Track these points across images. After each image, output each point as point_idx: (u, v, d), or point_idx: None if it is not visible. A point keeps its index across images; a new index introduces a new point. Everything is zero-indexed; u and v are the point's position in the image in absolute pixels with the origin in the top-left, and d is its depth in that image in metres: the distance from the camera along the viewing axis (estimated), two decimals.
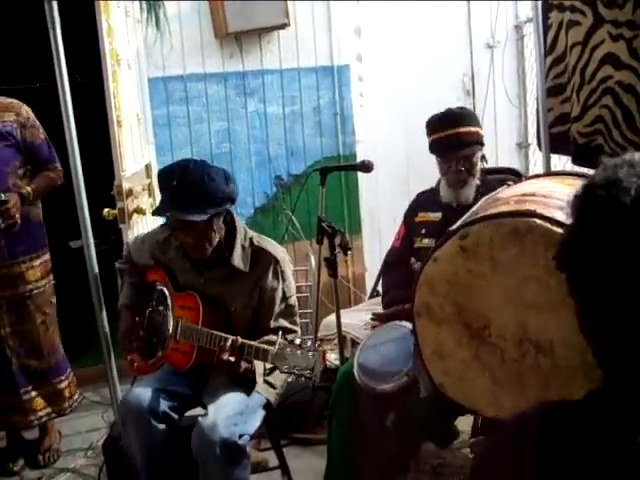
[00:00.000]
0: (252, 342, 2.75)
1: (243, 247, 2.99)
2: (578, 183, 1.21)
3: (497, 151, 5.54)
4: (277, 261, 3.00)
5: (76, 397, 3.99)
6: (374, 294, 4.68)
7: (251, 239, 3.02)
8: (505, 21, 5.57)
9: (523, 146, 5.78)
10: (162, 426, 2.86)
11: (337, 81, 5.25)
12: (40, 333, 3.77)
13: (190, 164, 2.87)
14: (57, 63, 3.28)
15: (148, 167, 4.41)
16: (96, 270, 3.51)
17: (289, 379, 2.70)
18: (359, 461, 2.83)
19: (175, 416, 2.94)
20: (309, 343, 2.63)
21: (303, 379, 2.65)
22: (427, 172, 3.48)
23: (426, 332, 2.18)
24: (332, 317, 3.91)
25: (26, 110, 3.70)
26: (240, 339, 2.75)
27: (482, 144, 3.30)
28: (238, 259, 2.95)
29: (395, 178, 5.30)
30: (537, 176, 2.81)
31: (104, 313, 3.57)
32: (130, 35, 4.42)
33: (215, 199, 2.82)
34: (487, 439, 1.30)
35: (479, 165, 3.28)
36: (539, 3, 4.11)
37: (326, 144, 5.27)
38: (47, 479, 3.80)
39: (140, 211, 3.85)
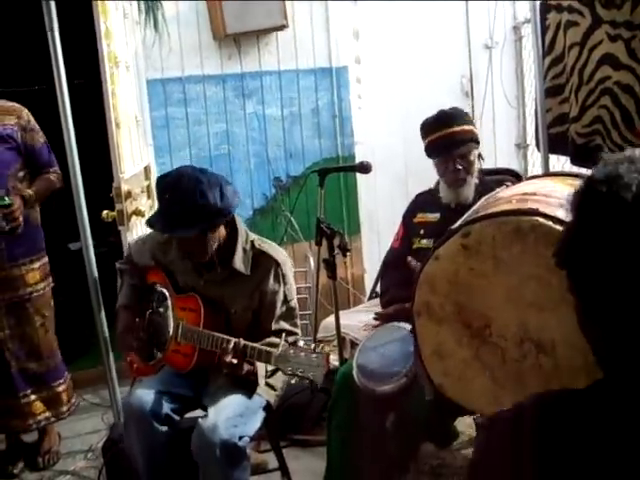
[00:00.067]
0: (255, 344, 2.75)
1: (244, 250, 2.98)
2: (578, 183, 1.20)
3: (496, 152, 5.54)
4: (278, 264, 3.00)
5: (73, 401, 3.99)
6: (373, 295, 4.67)
7: (252, 242, 3.01)
8: (503, 22, 5.57)
9: (522, 147, 5.79)
10: (164, 428, 2.86)
11: (335, 82, 5.25)
12: (39, 336, 3.77)
13: (185, 177, 2.82)
14: (55, 65, 3.28)
15: (147, 169, 4.41)
16: (95, 272, 3.51)
17: (292, 381, 2.69)
18: (358, 462, 2.82)
19: (177, 418, 2.94)
20: (312, 345, 2.62)
21: (306, 381, 2.65)
22: (426, 173, 3.48)
23: (426, 332, 2.17)
24: (331, 318, 3.91)
25: (26, 113, 3.72)
26: (243, 341, 2.74)
27: (477, 142, 3.31)
28: (239, 262, 2.95)
29: (394, 179, 5.30)
30: (537, 176, 2.81)
31: (103, 315, 3.57)
32: (128, 37, 4.41)
33: (205, 216, 2.80)
34: (485, 430, 1.29)
35: (476, 164, 3.29)
36: (537, 4, 4.12)
37: (325, 145, 5.27)
38: None
39: (139, 213, 3.84)
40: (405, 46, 5.35)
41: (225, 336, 2.79)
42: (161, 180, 2.94)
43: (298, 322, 3.12)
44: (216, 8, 4.71)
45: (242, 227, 3.03)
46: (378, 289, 4.00)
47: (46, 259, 3.83)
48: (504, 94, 5.63)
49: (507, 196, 2.26)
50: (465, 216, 2.25)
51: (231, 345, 2.74)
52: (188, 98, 4.91)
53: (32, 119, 3.74)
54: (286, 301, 3.03)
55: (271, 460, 3.38)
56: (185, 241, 2.93)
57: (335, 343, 3.70)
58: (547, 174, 3.23)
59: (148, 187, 4.27)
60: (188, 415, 3.05)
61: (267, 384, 2.91)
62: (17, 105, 3.72)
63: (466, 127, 3.26)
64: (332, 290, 3.42)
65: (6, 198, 3.49)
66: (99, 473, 3.39)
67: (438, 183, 3.38)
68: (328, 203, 3.68)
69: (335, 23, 5.19)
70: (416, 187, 3.71)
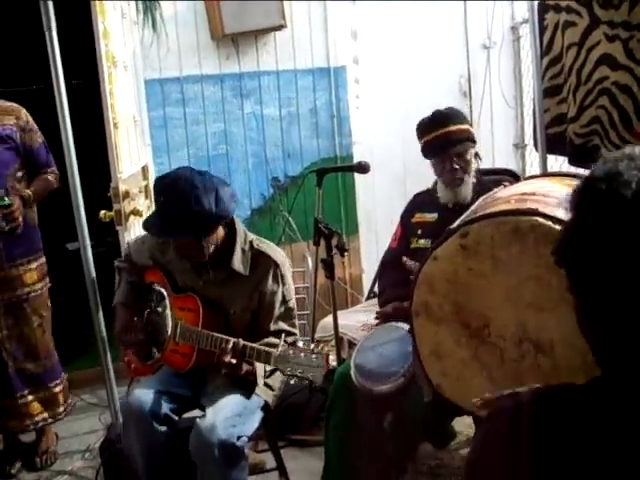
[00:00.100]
0: (254, 344, 2.74)
1: (243, 250, 2.98)
2: (576, 183, 1.20)
3: (494, 152, 5.55)
4: (277, 265, 2.99)
5: (69, 401, 4.00)
6: (371, 295, 4.67)
7: (251, 242, 3.01)
8: (501, 22, 5.58)
9: (520, 147, 5.79)
10: (163, 428, 2.87)
11: (334, 82, 5.25)
12: (37, 336, 3.77)
13: (181, 180, 2.80)
14: (53, 65, 3.27)
15: (145, 169, 4.40)
16: (93, 272, 3.50)
17: (291, 381, 2.68)
18: (356, 462, 2.83)
19: (175, 418, 2.94)
20: (312, 346, 2.61)
21: (305, 381, 2.64)
22: (424, 173, 3.48)
23: (424, 331, 2.17)
24: (329, 318, 3.90)
25: (25, 114, 3.73)
26: (242, 341, 2.74)
27: (474, 141, 3.32)
28: (238, 262, 2.94)
29: (392, 179, 5.30)
30: (535, 177, 2.81)
31: (101, 315, 3.55)
32: (126, 37, 4.40)
33: (199, 222, 2.79)
34: (483, 425, 1.29)
35: (473, 163, 3.29)
36: (535, 4, 4.12)
37: (323, 145, 5.27)
38: None
39: (137, 213, 3.84)
40: (403, 46, 5.35)
41: (224, 336, 2.78)
42: (159, 182, 2.94)
43: (296, 322, 3.12)
44: (214, 8, 4.71)
45: (241, 227, 3.03)
46: (376, 289, 4.00)
47: (43, 259, 3.83)
48: (502, 94, 5.63)
49: (505, 196, 2.26)
50: (463, 216, 2.25)
51: (230, 345, 2.74)
52: (186, 98, 4.91)
53: (30, 119, 3.75)
54: (285, 301, 3.02)
55: (269, 460, 3.38)
56: (181, 244, 2.93)
57: (333, 343, 3.70)
58: (545, 174, 3.23)
59: (146, 187, 4.27)
60: (186, 415, 3.05)
61: (265, 384, 2.91)
62: (16, 105, 3.73)
63: (462, 126, 3.27)
64: (330, 290, 3.42)
65: (6, 198, 3.51)
66: (96, 473, 3.39)
67: (436, 183, 3.39)
68: (326, 203, 3.68)
69: (333, 23, 5.19)
70: (414, 187, 3.71)
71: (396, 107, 5.28)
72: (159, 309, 3.14)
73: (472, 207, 2.40)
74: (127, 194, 3.73)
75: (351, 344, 4.00)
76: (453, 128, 3.24)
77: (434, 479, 3.37)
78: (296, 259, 4.88)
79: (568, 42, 3.92)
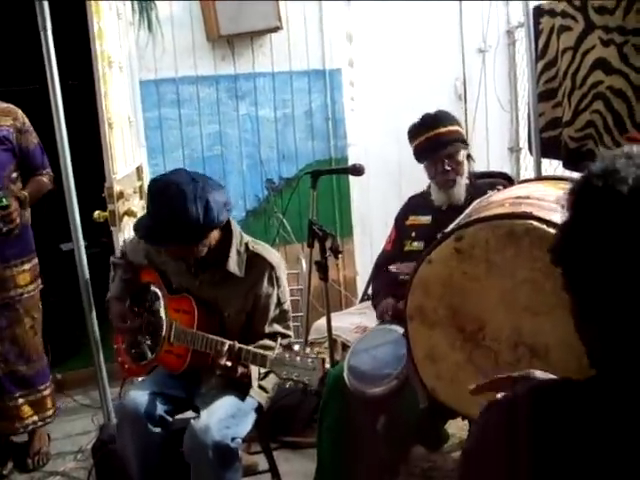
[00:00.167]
0: (250, 347, 2.73)
1: (239, 252, 2.96)
2: (573, 182, 1.20)
3: (488, 155, 5.56)
4: (272, 267, 2.98)
5: (57, 405, 3.99)
6: (365, 298, 4.68)
7: (247, 244, 3.00)
8: (497, 26, 5.57)
9: (514, 150, 5.79)
10: (158, 430, 2.86)
11: (329, 84, 5.24)
12: (28, 338, 3.76)
13: (172, 187, 2.75)
14: (48, 65, 3.28)
15: (139, 169, 4.40)
16: (86, 273, 3.51)
17: (287, 385, 2.68)
18: (349, 465, 2.83)
19: (170, 419, 2.94)
20: (308, 350, 2.61)
21: (300, 385, 2.64)
22: (418, 176, 3.49)
23: (418, 335, 2.18)
24: (323, 320, 3.91)
25: (22, 115, 3.72)
26: (237, 344, 2.73)
27: (465, 142, 3.34)
28: (233, 264, 2.93)
29: (387, 182, 5.30)
30: (529, 180, 2.82)
31: (94, 316, 3.56)
32: (122, 37, 4.40)
33: (185, 232, 2.76)
34: (479, 419, 1.29)
35: (465, 164, 3.30)
36: (530, 8, 4.13)
37: (318, 147, 5.27)
38: None
39: (131, 213, 3.83)
40: (398, 49, 5.35)
41: (219, 338, 2.77)
42: (152, 184, 2.91)
43: (291, 325, 3.11)
44: (210, 9, 4.70)
45: (237, 229, 3.02)
46: (370, 291, 4.00)
47: (36, 260, 3.82)
48: (497, 98, 5.63)
49: (500, 200, 2.27)
50: (458, 220, 2.25)
51: (225, 348, 2.72)
52: (181, 99, 4.90)
53: (27, 121, 3.74)
54: (280, 304, 3.02)
55: (261, 462, 3.38)
56: (168, 250, 2.94)
57: (326, 345, 3.70)
58: (539, 178, 3.25)
59: (140, 188, 4.26)
60: (179, 416, 3.05)
61: (259, 386, 2.91)
62: (12, 106, 3.72)
63: (451, 128, 3.29)
64: (324, 292, 3.42)
65: (4, 200, 3.51)
66: (89, 474, 3.39)
67: (430, 186, 3.40)
68: (321, 205, 3.68)
69: (329, 25, 5.19)
70: (409, 189, 3.72)
71: (391, 110, 5.28)
72: (154, 309, 3.13)
73: (467, 211, 2.41)
74: (121, 195, 3.73)
75: (345, 346, 4.00)
76: (443, 130, 3.26)
77: None
78: (290, 261, 4.88)
79: (563, 46, 3.94)
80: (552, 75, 4.14)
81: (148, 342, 3.13)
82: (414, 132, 3.33)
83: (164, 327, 3.03)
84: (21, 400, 3.75)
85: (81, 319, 3.61)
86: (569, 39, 3.88)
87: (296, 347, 2.61)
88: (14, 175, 3.67)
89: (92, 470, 3.34)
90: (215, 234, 2.91)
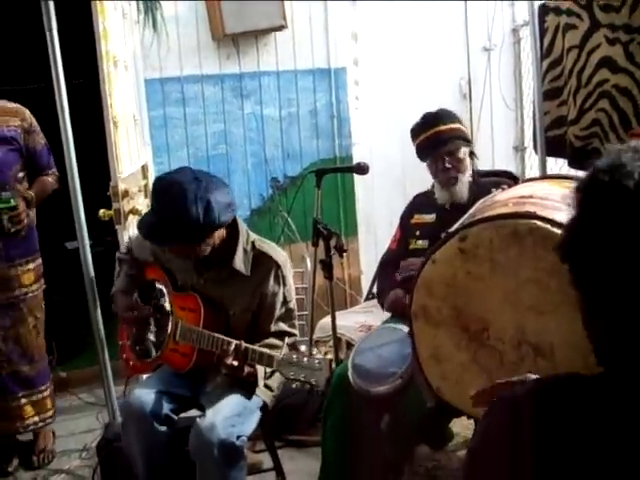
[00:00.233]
0: (257, 347, 2.73)
1: (245, 250, 2.96)
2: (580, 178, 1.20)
3: (493, 154, 5.56)
4: (279, 266, 2.98)
5: (61, 403, 4.02)
6: (370, 296, 4.67)
7: (253, 242, 2.99)
8: (502, 24, 5.58)
9: (519, 149, 5.79)
10: (163, 428, 2.86)
11: (334, 83, 5.25)
12: (32, 338, 3.77)
13: (175, 186, 2.74)
14: (54, 65, 3.28)
15: (144, 168, 4.40)
16: (91, 271, 3.51)
17: (293, 385, 2.68)
18: (353, 463, 2.83)
19: (175, 418, 2.94)
20: (315, 351, 2.61)
21: (307, 386, 2.64)
22: (423, 174, 3.48)
23: (423, 335, 2.17)
24: (327, 319, 3.91)
25: (29, 115, 3.74)
26: (244, 344, 2.72)
27: (466, 140, 3.35)
28: (240, 262, 2.93)
29: (391, 180, 5.30)
30: (533, 179, 2.81)
31: (99, 314, 3.56)
32: (127, 37, 4.41)
33: (185, 233, 2.75)
34: (484, 417, 1.29)
35: (467, 162, 3.31)
36: (536, 6, 4.12)
37: (322, 146, 5.27)
38: None
39: (136, 212, 3.83)
40: (403, 48, 5.35)
41: (226, 338, 2.76)
42: (157, 182, 2.91)
43: (296, 323, 3.11)
44: (215, 8, 4.71)
45: (243, 227, 3.01)
46: (375, 290, 4.00)
47: (40, 260, 3.83)
48: (502, 96, 5.63)
49: (504, 199, 2.26)
50: (462, 220, 2.25)
51: (232, 347, 2.71)
52: (186, 98, 4.91)
53: (34, 121, 3.76)
54: (285, 302, 3.01)
55: (266, 460, 3.38)
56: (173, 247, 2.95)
57: (331, 344, 3.70)
58: (544, 177, 3.23)
59: (145, 186, 4.27)
60: (184, 415, 3.05)
61: (265, 385, 2.90)
62: (20, 106, 3.73)
63: (452, 125, 3.30)
64: (328, 291, 3.42)
65: (12, 200, 3.52)
66: (93, 472, 3.39)
67: (434, 185, 3.40)
68: (325, 204, 3.68)
69: (334, 24, 5.19)
70: (413, 188, 3.72)
71: (396, 109, 5.28)
72: (160, 307, 3.13)
73: (471, 210, 2.40)
74: (126, 193, 3.73)
75: (349, 345, 4.00)
76: (443, 128, 3.28)
77: None
78: (295, 260, 4.87)
79: (568, 45, 3.93)
80: (557, 74, 4.13)
81: (153, 339, 3.12)
82: (416, 131, 3.36)
83: (170, 324, 3.02)
84: (24, 400, 3.76)
85: (86, 317, 3.61)
86: (574, 37, 3.87)
87: (303, 348, 2.61)
88: (20, 175, 3.69)
89: (97, 468, 3.35)
90: (221, 233, 2.90)
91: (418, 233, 3.32)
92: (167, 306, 3.07)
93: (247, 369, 2.77)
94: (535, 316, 1.89)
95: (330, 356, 2.69)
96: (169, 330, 3.01)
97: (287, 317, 3.03)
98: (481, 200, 2.52)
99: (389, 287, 3.28)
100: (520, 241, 1.89)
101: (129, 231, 3.74)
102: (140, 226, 2.90)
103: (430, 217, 3.34)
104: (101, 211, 3.68)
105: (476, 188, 3.23)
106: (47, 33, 3.23)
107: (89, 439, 4.07)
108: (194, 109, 4.94)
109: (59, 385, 4.36)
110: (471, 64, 5.63)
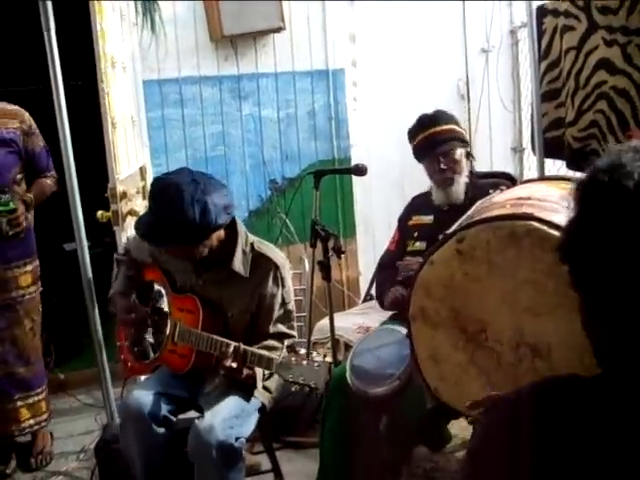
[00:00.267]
0: (256, 350, 2.73)
1: (244, 252, 2.96)
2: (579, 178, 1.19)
3: (491, 155, 5.56)
4: (277, 267, 2.98)
5: (59, 405, 4.00)
6: (368, 298, 4.68)
7: (252, 244, 2.99)
8: (500, 26, 5.58)
9: (517, 151, 5.79)
10: (162, 430, 2.86)
11: (332, 85, 5.25)
12: (28, 340, 3.77)
13: (171, 187, 2.74)
14: (52, 66, 3.28)
15: (142, 170, 4.40)
16: (89, 273, 3.51)
17: (293, 388, 2.68)
18: (351, 465, 2.83)
19: (174, 419, 2.94)
20: (314, 354, 2.61)
21: (307, 388, 2.63)
22: (421, 176, 3.49)
23: (421, 336, 2.18)
24: (325, 321, 3.91)
25: (28, 117, 3.75)
26: (243, 346, 2.72)
27: (463, 141, 3.36)
28: (239, 264, 2.93)
29: (389, 182, 5.30)
30: (531, 180, 2.82)
31: (97, 315, 3.56)
32: (125, 38, 4.40)
33: (180, 234, 2.75)
34: (483, 417, 1.29)
35: (464, 162, 3.32)
36: (534, 8, 4.12)
37: (321, 148, 5.27)
38: None
39: (134, 213, 3.83)
40: (401, 49, 5.36)
41: (224, 339, 2.76)
42: (155, 183, 2.90)
43: (295, 324, 3.11)
44: (213, 9, 4.71)
45: (242, 229, 3.01)
46: (373, 291, 4.00)
47: (37, 262, 3.83)
48: (500, 98, 5.63)
49: (501, 201, 2.27)
50: (460, 221, 2.25)
51: (231, 349, 2.71)
52: (184, 99, 4.91)
53: (33, 123, 3.77)
54: (284, 304, 3.01)
55: (264, 462, 3.38)
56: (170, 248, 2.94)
57: (329, 345, 3.70)
58: (542, 178, 3.24)
59: (143, 188, 4.26)
60: (181, 416, 3.05)
61: (263, 386, 2.90)
62: (19, 109, 3.74)
63: (447, 127, 3.32)
64: (327, 292, 3.41)
65: (11, 203, 3.53)
66: (92, 474, 3.39)
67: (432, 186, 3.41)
68: (323, 205, 3.68)
69: (332, 26, 5.19)
70: (412, 190, 3.72)
71: (394, 110, 5.28)
72: (157, 307, 3.12)
73: (468, 212, 2.41)
74: (124, 195, 3.73)
75: (347, 346, 4.00)
76: (438, 129, 3.30)
77: None
78: (293, 261, 4.88)
79: (566, 46, 3.93)
80: (555, 75, 4.13)
81: (151, 340, 3.12)
82: (412, 132, 3.38)
83: (168, 326, 3.02)
84: (19, 403, 3.76)
85: (84, 319, 3.61)
86: (572, 39, 3.87)
87: (302, 351, 2.61)
88: (19, 177, 3.70)
89: (95, 470, 3.35)
90: (219, 234, 2.90)
91: (416, 234, 3.32)
92: (165, 307, 3.07)
93: (246, 371, 2.77)
94: (533, 317, 1.89)
95: (329, 358, 2.69)
96: (167, 331, 3.01)
97: (286, 319, 3.03)
98: (479, 202, 2.53)
99: (389, 286, 3.29)
100: (517, 242, 1.89)
101: (127, 232, 3.74)
102: (137, 226, 2.90)
103: (428, 218, 3.35)
104: (99, 212, 3.68)
105: (474, 189, 3.24)
106: (45, 33, 3.22)
107: (87, 441, 4.07)
108: (192, 110, 4.94)
109: (57, 387, 4.36)
110: (469, 65, 5.63)
